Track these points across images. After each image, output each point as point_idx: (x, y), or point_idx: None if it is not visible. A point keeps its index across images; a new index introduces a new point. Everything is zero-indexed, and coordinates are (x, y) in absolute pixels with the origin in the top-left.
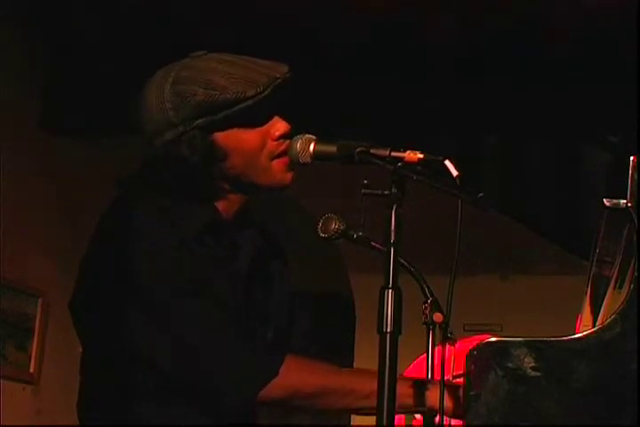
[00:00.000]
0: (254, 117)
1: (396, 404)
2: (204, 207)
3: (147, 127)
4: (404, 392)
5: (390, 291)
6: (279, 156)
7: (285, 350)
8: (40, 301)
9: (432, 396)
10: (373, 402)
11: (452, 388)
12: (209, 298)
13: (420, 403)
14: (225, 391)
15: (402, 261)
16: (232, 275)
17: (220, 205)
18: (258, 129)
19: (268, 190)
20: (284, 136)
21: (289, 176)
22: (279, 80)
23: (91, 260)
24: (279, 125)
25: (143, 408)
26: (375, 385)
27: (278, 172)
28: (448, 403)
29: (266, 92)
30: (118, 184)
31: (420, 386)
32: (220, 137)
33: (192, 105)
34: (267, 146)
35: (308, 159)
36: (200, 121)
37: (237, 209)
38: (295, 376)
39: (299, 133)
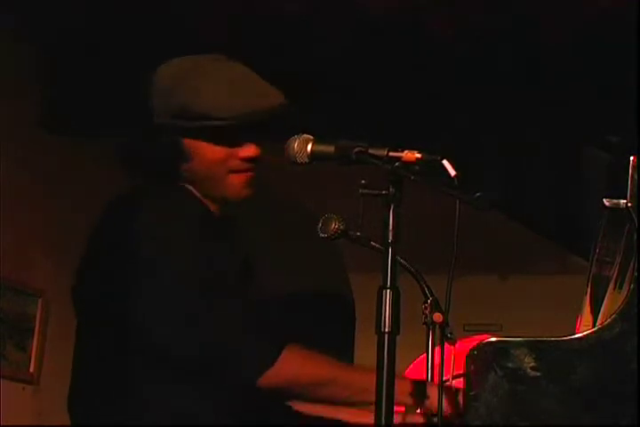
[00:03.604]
0: (224, 137)
1: (395, 402)
2: (199, 203)
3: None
4: (402, 391)
5: (388, 291)
6: (239, 171)
7: (284, 340)
8: (40, 301)
9: (431, 396)
10: (372, 396)
11: (450, 391)
12: (213, 284)
13: (418, 403)
14: (225, 376)
15: (402, 261)
16: (229, 266)
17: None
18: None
19: (221, 202)
20: (251, 159)
21: (245, 192)
22: (262, 114)
23: (94, 248)
24: (250, 149)
25: (144, 395)
26: (372, 382)
27: (233, 185)
28: (447, 406)
29: (237, 122)
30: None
31: (419, 386)
32: (188, 140)
33: (173, 105)
34: (228, 162)
35: (306, 159)
36: (176, 121)
37: (217, 211)
38: (294, 365)
39: (297, 134)
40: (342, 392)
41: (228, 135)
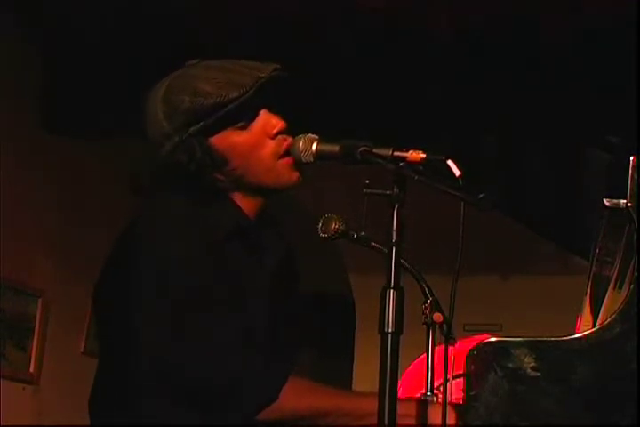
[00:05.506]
0: (243, 116)
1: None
2: (231, 209)
3: (151, 139)
4: (405, 413)
5: (392, 291)
6: (283, 155)
7: (290, 370)
8: (40, 301)
9: (433, 414)
10: (371, 421)
11: (452, 405)
12: (229, 306)
13: (421, 422)
14: (225, 406)
15: (402, 261)
16: (258, 281)
17: (243, 206)
18: (252, 129)
19: (275, 191)
20: (281, 132)
21: (295, 175)
22: (263, 79)
23: (116, 264)
24: (274, 122)
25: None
26: (371, 407)
27: (284, 171)
28: (450, 420)
29: (249, 93)
30: (132, 190)
31: (420, 405)
32: (216, 142)
33: (181, 113)
34: (266, 145)
35: (311, 159)
36: (193, 128)
37: (257, 210)
38: (296, 399)
39: (300, 133)
40: (342, 419)
41: (248, 116)
